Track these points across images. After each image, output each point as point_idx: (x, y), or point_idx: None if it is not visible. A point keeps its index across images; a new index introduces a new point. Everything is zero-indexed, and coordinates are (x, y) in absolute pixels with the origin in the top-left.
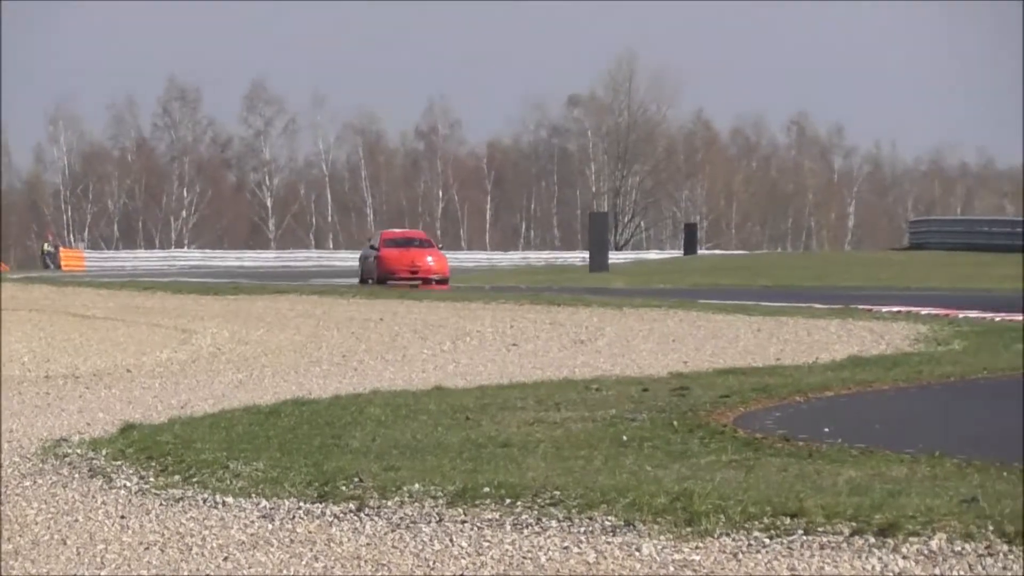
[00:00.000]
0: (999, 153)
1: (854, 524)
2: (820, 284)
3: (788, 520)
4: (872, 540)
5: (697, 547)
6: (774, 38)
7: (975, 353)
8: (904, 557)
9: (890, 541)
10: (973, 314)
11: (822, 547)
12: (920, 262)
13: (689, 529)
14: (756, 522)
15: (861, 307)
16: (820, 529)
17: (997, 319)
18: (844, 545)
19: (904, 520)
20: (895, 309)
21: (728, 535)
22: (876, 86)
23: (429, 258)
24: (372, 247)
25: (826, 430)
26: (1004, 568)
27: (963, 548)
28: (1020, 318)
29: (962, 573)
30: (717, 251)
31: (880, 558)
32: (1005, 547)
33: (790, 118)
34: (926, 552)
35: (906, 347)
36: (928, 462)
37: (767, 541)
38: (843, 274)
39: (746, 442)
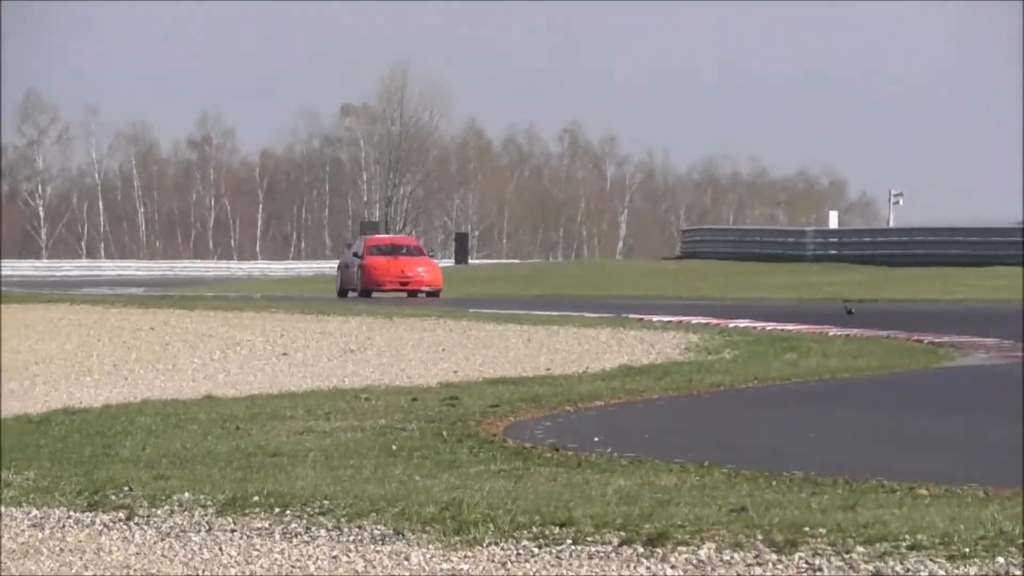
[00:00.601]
0: (771, 163)
1: (623, 533)
2: (591, 293)
3: (557, 529)
4: (641, 549)
5: (466, 556)
6: (543, 47)
7: (745, 362)
8: (673, 567)
9: (659, 551)
10: (744, 323)
11: (591, 556)
12: (692, 271)
13: (458, 538)
14: (525, 531)
15: (632, 316)
16: (589, 538)
17: (767, 328)
18: (613, 555)
19: (673, 529)
20: (666, 318)
21: (497, 544)
22: (649, 95)
23: (421, 268)
24: (355, 255)
25: (596, 439)
26: None
27: (732, 558)
28: (790, 328)
29: None
30: (489, 260)
31: (649, 567)
32: (774, 556)
33: (563, 127)
34: (695, 562)
35: (676, 356)
36: (697, 471)
37: (536, 550)
38: (614, 283)
39: (516, 452)
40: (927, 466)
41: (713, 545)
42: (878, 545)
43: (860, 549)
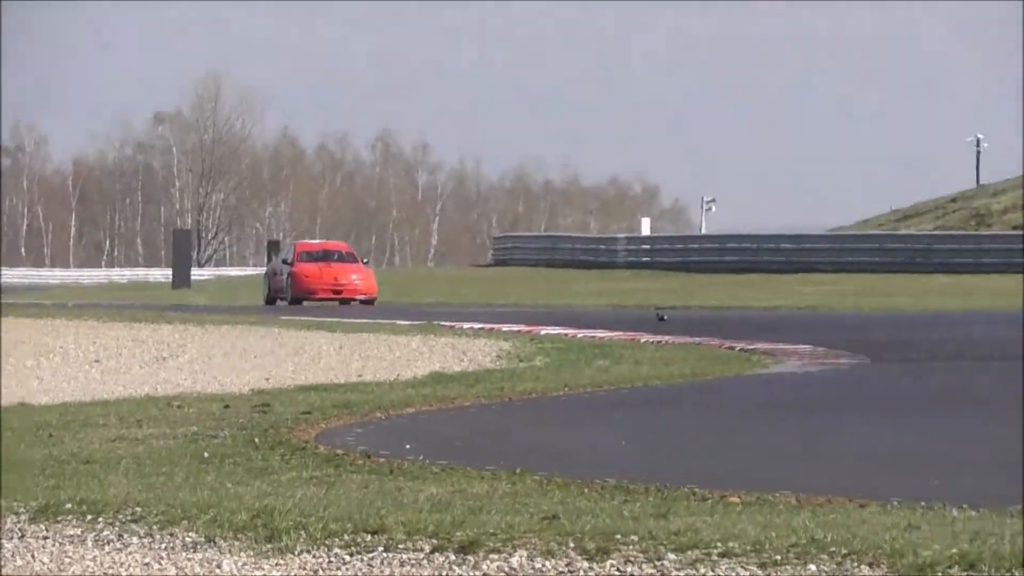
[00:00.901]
0: (583, 170)
1: (435, 541)
2: (403, 300)
3: (369, 537)
4: (453, 557)
5: (278, 564)
6: (358, 56)
7: (557, 369)
8: (485, 574)
9: (471, 558)
10: (555, 331)
11: (403, 564)
12: (503, 278)
13: (270, 546)
14: (337, 539)
15: (444, 323)
16: (401, 546)
17: (579, 336)
18: (425, 562)
19: (485, 537)
20: (477, 326)
21: (309, 552)
22: (463, 102)
23: (355, 276)
24: (284, 261)
25: (408, 447)
26: None
27: (543, 565)
28: (602, 335)
29: None
30: None
31: (461, 575)
32: (585, 564)
33: (376, 135)
34: (507, 569)
35: (488, 363)
36: (509, 479)
37: (347, 558)
38: (426, 290)
39: (328, 459)
40: (739, 474)
41: (525, 553)
42: (690, 552)
43: (672, 556)
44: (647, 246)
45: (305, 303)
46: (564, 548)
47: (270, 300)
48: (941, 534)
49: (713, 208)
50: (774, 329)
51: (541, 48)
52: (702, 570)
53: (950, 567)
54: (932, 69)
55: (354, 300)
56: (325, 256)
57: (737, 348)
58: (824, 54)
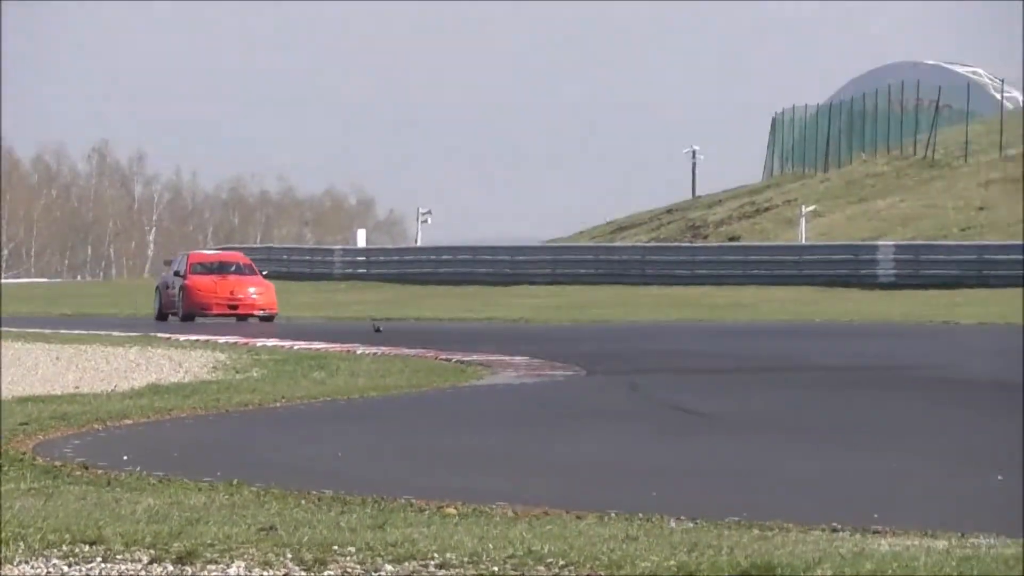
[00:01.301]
0: (299, 182)
1: (153, 551)
2: (121, 312)
3: (87, 548)
4: (171, 568)
5: None
6: (75, 66)
7: (274, 381)
8: None
9: (188, 569)
10: (272, 342)
11: (121, 574)
12: None
13: None
14: (56, 549)
15: (160, 335)
16: (119, 556)
17: (295, 347)
18: (143, 572)
19: (203, 548)
20: (193, 337)
21: (27, 563)
22: (179, 112)
23: (253, 289)
24: (176, 273)
25: (125, 458)
26: None
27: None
28: (318, 346)
29: None
30: (17, 280)
31: None
32: (303, 574)
33: (92, 146)
34: None
35: (204, 375)
36: (226, 490)
37: (66, 568)
38: (144, 303)
39: (45, 470)
40: (456, 485)
41: (243, 563)
42: (407, 564)
43: (389, 568)
44: (363, 258)
45: (198, 319)
46: (282, 559)
47: (161, 316)
48: (659, 545)
49: (429, 220)
50: (490, 341)
51: (259, 56)
52: None
53: None
54: (647, 81)
55: (252, 316)
56: (221, 268)
57: (453, 360)
58: (541, 66)
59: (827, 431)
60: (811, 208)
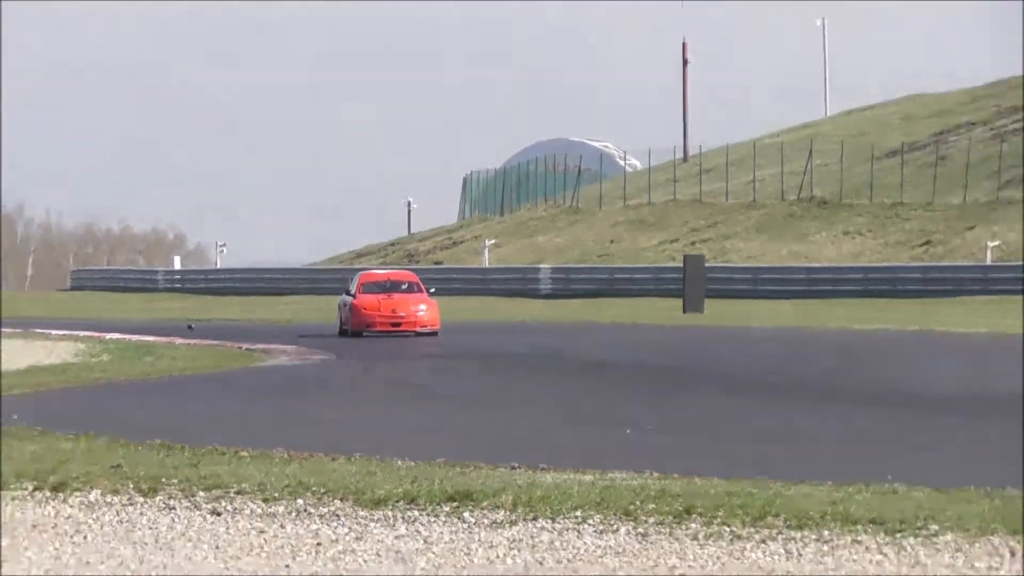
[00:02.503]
0: (133, 222)
1: (35, 482)
2: (9, 315)
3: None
4: (48, 493)
5: None
6: None
7: (119, 363)
8: (71, 506)
9: (61, 494)
10: (117, 336)
11: (13, 499)
12: (81, 299)
13: None
14: None
15: (38, 331)
16: (12, 486)
17: (133, 339)
18: (29, 497)
19: (70, 480)
20: (63, 332)
21: None
22: (49, 167)
23: (415, 307)
24: (347, 292)
25: (15, 416)
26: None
27: (111, 499)
28: (149, 339)
29: (112, 518)
30: None
31: (51, 510)
32: (141, 499)
33: None
34: (87, 501)
35: (69, 359)
36: (87, 439)
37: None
38: (24, 308)
39: None
40: (247, 436)
41: (99, 491)
42: (214, 491)
43: (201, 494)
44: (178, 276)
45: (365, 335)
46: (126, 488)
47: (342, 332)
48: (390, 478)
49: (224, 250)
50: (270, 335)
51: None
52: (224, 504)
53: (398, 501)
54: (371, 146)
55: (412, 332)
56: (388, 287)
57: (243, 348)
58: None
59: (513, 400)
60: (492, 242)
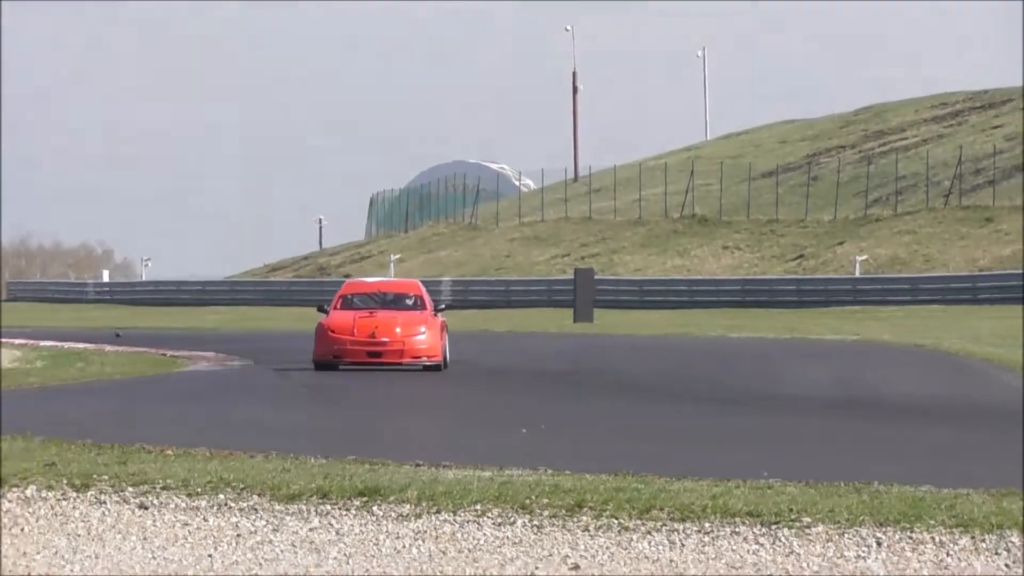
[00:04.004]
0: (64, 237)
1: None
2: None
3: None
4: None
5: None
6: None
7: (53, 369)
8: (9, 500)
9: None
10: (49, 343)
11: None
12: (16, 310)
13: None
14: None
15: None
16: None
17: (65, 346)
18: None
19: (8, 477)
20: None
21: None
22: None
23: (420, 329)
24: (319, 308)
25: None
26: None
27: (46, 495)
28: (79, 346)
29: (47, 512)
30: None
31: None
32: (74, 494)
33: None
34: (23, 497)
35: (7, 365)
36: (23, 439)
37: None
38: None
39: None
40: (170, 436)
41: (34, 487)
42: (142, 487)
43: (130, 489)
44: (107, 288)
45: (341, 367)
46: (60, 483)
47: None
48: (305, 475)
49: (149, 264)
50: (191, 342)
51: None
52: (150, 498)
53: (311, 495)
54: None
55: (401, 365)
56: (377, 301)
57: (168, 355)
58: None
59: (418, 403)
60: (397, 256)
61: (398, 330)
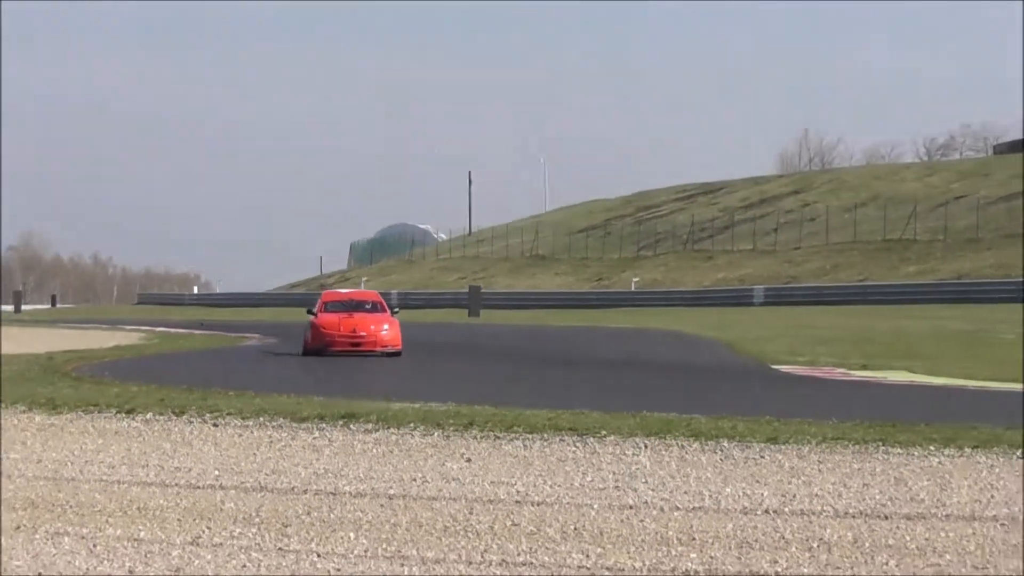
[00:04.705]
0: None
1: (116, 409)
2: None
3: (96, 408)
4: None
5: None
6: None
7: (161, 344)
8: (136, 421)
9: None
10: (160, 328)
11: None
12: None
13: None
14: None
15: (119, 326)
16: (111, 411)
17: (167, 331)
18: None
19: (137, 407)
20: (130, 328)
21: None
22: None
23: (384, 326)
24: (309, 311)
25: (106, 373)
26: (175, 425)
27: (158, 418)
28: (177, 331)
29: (158, 428)
30: None
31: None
32: (175, 417)
33: None
34: (145, 419)
35: (135, 342)
36: (148, 388)
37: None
38: None
39: (77, 379)
40: (235, 383)
41: (151, 412)
42: (215, 413)
43: (207, 415)
44: (196, 296)
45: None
46: (167, 411)
47: (306, 351)
48: (309, 406)
49: (220, 283)
50: (246, 328)
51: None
52: (219, 420)
53: (314, 418)
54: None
55: (374, 352)
56: (350, 307)
57: (232, 335)
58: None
59: (369, 366)
60: (366, 279)
61: (372, 327)
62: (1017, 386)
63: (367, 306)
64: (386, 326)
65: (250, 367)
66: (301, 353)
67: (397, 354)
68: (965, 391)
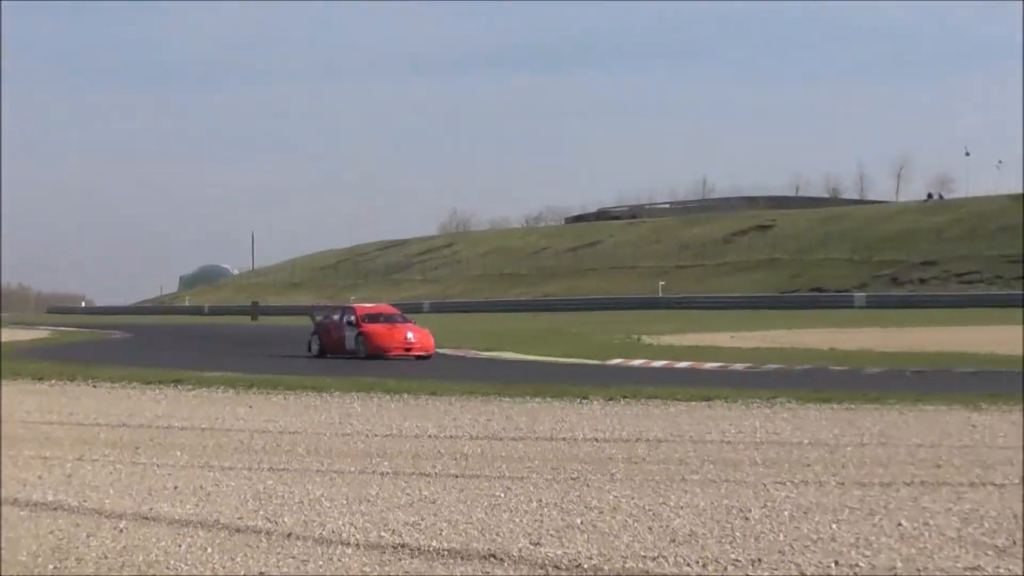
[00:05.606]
0: None
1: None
2: None
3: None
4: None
5: None
6: None
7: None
8: (183, 391)
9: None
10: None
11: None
12: None
13: None
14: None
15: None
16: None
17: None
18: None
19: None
20: (49, 326)
21: None
22: None
23: (411, 335)
24: (348, 323)
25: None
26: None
27: (198, 392)
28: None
29: (200, 395)
30: None
31: None
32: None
33: None
34: (185, 390)
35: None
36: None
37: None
38: None
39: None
40: (278, 368)
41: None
42: (255, 387)
43: (245, 388)
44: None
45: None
46: (209, 385)
47: (322, 354)
48: (340, 383)
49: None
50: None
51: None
52: (255, 392)
53: (339, 390)
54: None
55: (417, 356)
56: (388, 318)
57: (104, 332)
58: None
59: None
60: (188, 298)
61: (417, 334)
62: (561, 358)
63: (398, 319)
64: (427, 333)
65: (114, 351)
66: (316, 355)
67: (429, 357)
68: (545, 363)
